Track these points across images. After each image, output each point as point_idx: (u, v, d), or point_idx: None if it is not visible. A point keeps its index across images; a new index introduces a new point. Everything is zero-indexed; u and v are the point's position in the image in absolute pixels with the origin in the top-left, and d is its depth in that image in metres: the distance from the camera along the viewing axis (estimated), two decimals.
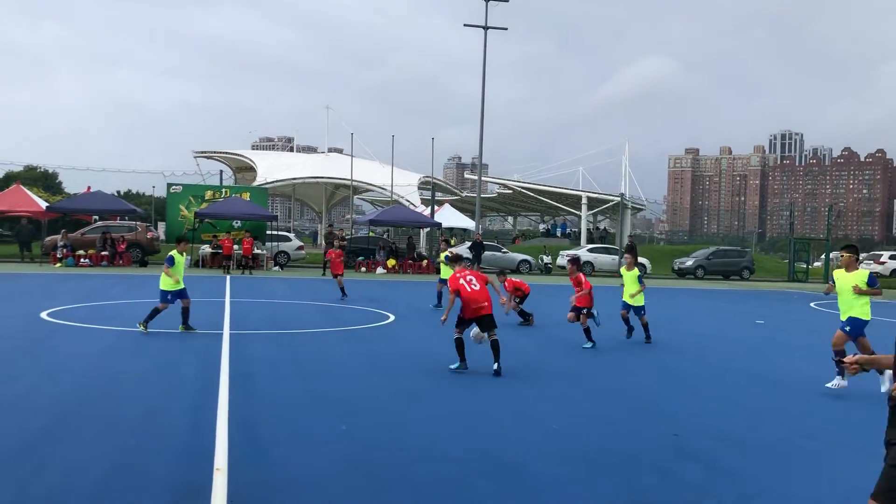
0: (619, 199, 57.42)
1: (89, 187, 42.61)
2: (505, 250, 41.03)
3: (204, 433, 6.60)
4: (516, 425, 7.42)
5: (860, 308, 9.87)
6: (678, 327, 16.71)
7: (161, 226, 43.39)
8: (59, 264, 30.36)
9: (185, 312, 12.79)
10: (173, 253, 12.83)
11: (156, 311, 12.56)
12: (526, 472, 5.90)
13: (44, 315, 14.60)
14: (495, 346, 9.97)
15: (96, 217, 37.59)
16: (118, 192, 59.40)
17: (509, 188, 69.09)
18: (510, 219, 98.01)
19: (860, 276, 9.96)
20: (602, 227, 69.75)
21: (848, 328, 9.89)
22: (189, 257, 33.51)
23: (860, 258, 10.62)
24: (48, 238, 34.04)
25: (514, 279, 17.04)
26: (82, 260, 30.77)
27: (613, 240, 54.65)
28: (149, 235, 35.12)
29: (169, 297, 12.64)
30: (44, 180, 64.64)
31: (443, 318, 10.34)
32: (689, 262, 41.80)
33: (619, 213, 56.33)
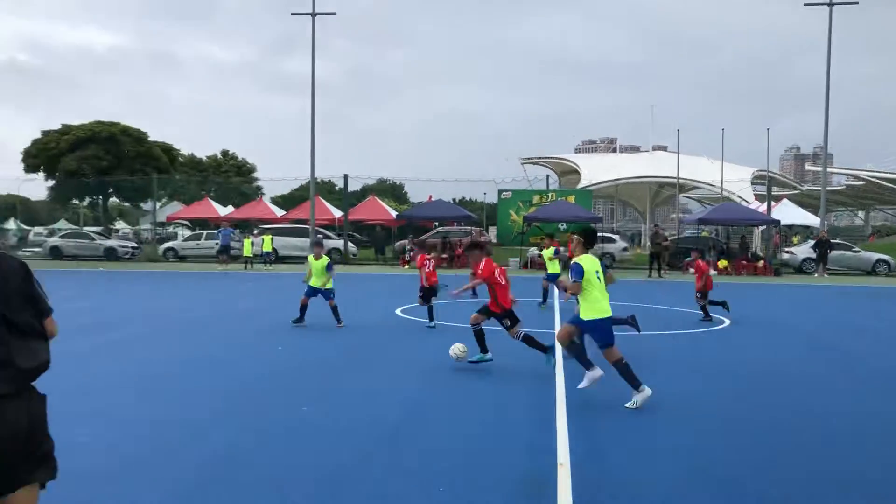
0: None
1: (430, 196, 46.74)
2: (856, 249, 36.72)
3: (545, 429, 6.86)
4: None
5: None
6: None
7: (492, 230, 46.07)
8: (406, 266, 33.74)
9: (333, 311, 13.78)
10: (309, 257, 14.24)
11: (302, 307, 13.70)
12: None
13: (398, 311, 16.34)
14: (529, 340, 9.78)
15: (436, 223, 41.18)
16: (454, 199, 64.37)
17: (860, 179, 61.83)
18: (861, 213, 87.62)
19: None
20: None
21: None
22: (519, 259, 35.22)
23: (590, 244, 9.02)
24: (398, 243, 38.18)
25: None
26: None
27: None
28: (482, 239, 37.53)
29: (308, 291, 13.86)
30: (392, 191, 72.57)
31: (456, 292, 10.94)
32: None
33: None
